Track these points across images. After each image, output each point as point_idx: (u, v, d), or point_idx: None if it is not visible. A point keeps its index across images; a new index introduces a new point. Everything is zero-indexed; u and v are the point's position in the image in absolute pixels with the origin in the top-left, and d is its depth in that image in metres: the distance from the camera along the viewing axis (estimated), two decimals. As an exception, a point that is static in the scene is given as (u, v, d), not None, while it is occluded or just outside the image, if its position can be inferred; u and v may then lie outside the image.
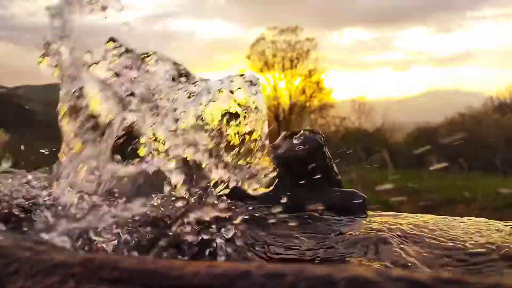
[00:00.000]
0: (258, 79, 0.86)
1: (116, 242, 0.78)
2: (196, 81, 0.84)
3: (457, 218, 1.01)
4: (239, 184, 0.86)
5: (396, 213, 1.06)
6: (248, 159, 0.85)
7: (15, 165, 1.86)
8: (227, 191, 0.84)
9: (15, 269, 0.41)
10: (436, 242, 0.83)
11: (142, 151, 0.84)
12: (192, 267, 0.36)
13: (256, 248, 0.80)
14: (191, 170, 0.83)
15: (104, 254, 0.41)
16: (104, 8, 0.84)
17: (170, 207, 0.99)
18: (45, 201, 0.84)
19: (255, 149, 0.86)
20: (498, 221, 0.99)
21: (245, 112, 0.86)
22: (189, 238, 0.81)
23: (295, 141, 1.13)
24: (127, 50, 0.84)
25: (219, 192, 0.84)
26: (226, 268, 0.36)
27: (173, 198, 0.98)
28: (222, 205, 0.88)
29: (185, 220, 0.92)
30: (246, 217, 0.93)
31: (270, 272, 0.35)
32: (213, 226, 0.89)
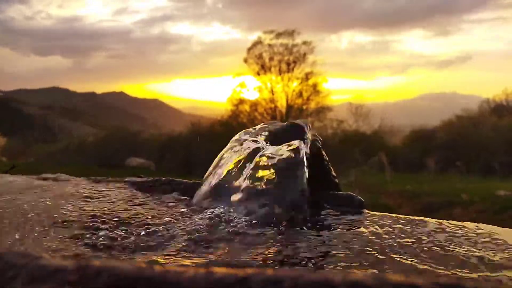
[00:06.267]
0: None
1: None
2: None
3: (454, 222, 1.01)
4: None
5: (394, 215, 1.05)
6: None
7: (12, 168, 1.86)
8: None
9: (11, 275, 0.41)
10: (435, 245, 0.83)
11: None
12: (189, 273, 0.36)
13: (255, 253, 0.79)
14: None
15: (101, 260, 0.40)
16: None
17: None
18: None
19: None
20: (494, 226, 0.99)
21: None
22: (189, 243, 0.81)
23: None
24: None
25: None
26: (223, 274, 0.36)
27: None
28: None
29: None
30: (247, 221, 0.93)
31: (268, 278, 0.35)
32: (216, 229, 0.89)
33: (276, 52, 21.61)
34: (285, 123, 1.16)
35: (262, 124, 1.18)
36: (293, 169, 1.01)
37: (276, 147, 1.05)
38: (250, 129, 1.16)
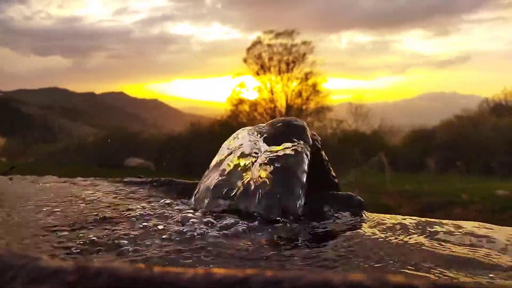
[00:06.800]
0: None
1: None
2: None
3: (456, 222, 1.01)
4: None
5: (393, 215, 1.05)
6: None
7: (11, 168, 1.86)
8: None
9: (10, 276, 0.41)
10: (433, 246, 0.83)
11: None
12: (188, 274, 0.36)
13: (254, 254, 0.79)
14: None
15: (100, 262, 0.40)
16: None
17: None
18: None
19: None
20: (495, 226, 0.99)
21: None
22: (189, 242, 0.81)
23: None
24: None
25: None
26: (223, 275, 0.36)
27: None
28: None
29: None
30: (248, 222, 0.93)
31: (267, 279, 0.35)
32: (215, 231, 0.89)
33: (276, 52, 21.63)
34: (285, 121, 1.16)
35: (262, 124, 1.18)
36: (293, 172, 1.02)
37: (276, 147, 1.05)
38: (248, 128, 1.16)
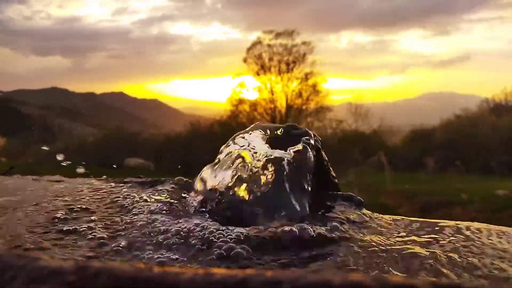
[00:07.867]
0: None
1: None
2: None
3: (454, 221, 1.01)
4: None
5: (393, 215, 1.05)
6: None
7: (11, 169, 1.86)
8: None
9: (9, 276, 0.41)
10: (434, 246, 0.83)
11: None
12: (188, 274, 0.36)
13: (254, 255, 0.79)
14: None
15: (99, 262, 0.40)
16: None
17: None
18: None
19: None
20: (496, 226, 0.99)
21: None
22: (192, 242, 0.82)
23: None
24: None
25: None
26: (223, 276, 0.36)
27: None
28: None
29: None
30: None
31: (267, 280, 0.35)
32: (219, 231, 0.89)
33: (276, 52, 21.64)
34: (283, 126, 1.16)
35: (256, 124, 1.17)
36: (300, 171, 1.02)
37: (279, 151, 1.05)
38: (247, 131, 1.15)
